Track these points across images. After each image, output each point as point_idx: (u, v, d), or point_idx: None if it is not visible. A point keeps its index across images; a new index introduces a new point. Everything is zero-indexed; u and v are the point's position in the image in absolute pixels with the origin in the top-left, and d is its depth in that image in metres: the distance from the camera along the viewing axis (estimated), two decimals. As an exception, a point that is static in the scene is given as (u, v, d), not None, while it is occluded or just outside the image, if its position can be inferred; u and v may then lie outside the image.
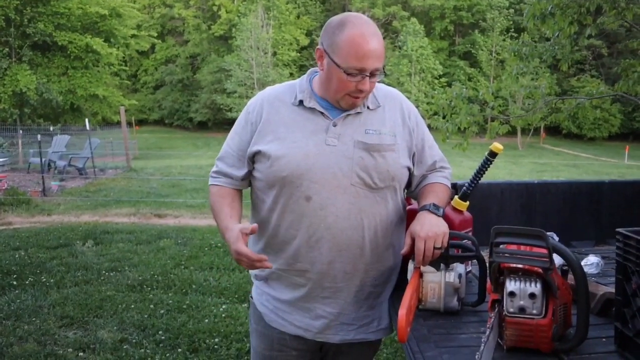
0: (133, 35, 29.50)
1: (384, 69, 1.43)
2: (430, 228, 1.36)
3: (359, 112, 1.49)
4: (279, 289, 1.56)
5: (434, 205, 1.44)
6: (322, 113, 1.48)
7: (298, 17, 39.58)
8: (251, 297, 1.69)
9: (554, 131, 32.51)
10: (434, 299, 1.40)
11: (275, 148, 1.46)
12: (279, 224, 1.50)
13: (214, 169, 1.63)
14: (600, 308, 1.39)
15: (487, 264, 1.24)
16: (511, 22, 33.51)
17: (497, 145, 1.59)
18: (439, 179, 1.61)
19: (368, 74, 1.39)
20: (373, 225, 1.49)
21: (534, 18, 5.22)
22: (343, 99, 1.45)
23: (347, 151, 1.45)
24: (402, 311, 1.15)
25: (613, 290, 1.31)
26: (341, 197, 1.44)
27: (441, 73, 35.14)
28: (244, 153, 1.54)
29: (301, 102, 1.49)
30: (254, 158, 1.52)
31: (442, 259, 1.37)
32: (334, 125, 1.47)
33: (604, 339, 1.23)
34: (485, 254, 1.58)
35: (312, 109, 1.48)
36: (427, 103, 30.57)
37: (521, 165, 17.63)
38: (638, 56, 7.19)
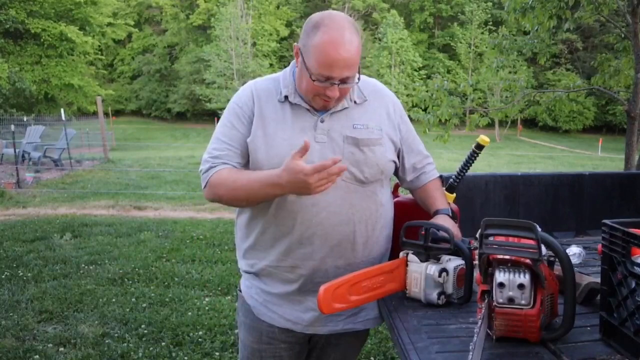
0: (109, 24, 28.94)
1: (359, 72, 1.40)
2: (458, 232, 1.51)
3: (345, 107, 1.48)
4: (270, 283, 1.55)
5: (453, 212, 1.59)
6: (307, 110, 1.46)
7: (278, 7, 39.25)
8: (239, 290, 1.67)
9: (530, 124, 33.10)
10: (416, 289, 1.42)
11: (265, 146, 1.44)
12: (270, 221, 1.48)
13: (206, 164, 1.48)
14: (584, 297, 1.42)
15: (477, 256, 1.26)
16: (489, 15, 33.86)
17: (484, 138, 1.62)
18: (434, 172, 1.67)
19: (337, 82, 1.36)
20: (363, 220, 1.49)
21: (514, 11, 5.30)
22: (313, 100, 1.43)
23: (337, 147, 1.45)
24: (324, 286, 1.25)
25: (596, 280, 1.34)
26: (332, 193, 1.42)
27: (421, 65, 35.40)
28: (246, 149, 1.47)
29: (286, 97, 1.47)
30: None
31: (423, 250, 1.41)
32: (322, 122, 1.45)
33: (588, 328, 1.26)
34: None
35: (297, 105, 1.46)
36: (407, 95, 30.80)
37: (499, 157, 17.89)
38: (613, 51, 7.34)
